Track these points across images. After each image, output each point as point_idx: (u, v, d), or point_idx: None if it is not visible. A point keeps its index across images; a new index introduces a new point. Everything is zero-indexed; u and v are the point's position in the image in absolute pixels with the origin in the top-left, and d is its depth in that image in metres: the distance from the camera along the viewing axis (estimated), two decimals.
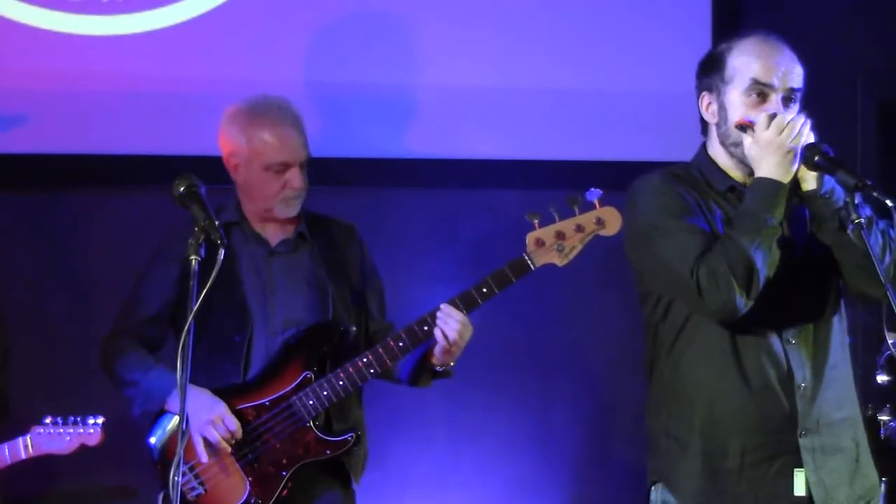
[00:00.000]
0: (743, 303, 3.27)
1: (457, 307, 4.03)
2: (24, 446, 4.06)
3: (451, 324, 4.01)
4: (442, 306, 4.03)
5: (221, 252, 3.20)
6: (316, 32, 5.17)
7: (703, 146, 3.51)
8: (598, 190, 3.91)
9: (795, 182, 3.36)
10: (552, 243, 4.01)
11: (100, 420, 4.08)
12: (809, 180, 3.34)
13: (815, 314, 3.41)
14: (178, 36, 5.06)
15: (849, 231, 3.27)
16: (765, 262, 3.27)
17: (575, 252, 4.03)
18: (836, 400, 3.42)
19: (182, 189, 3.35)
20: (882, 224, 3.32)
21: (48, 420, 4.07)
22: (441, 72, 5.26)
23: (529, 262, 4.03)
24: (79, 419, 4.08)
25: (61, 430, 4.06)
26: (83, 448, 4.08)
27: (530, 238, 4.02)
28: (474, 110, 5.27)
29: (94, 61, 5.01)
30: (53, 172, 5.02)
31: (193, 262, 3.20)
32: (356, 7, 5.21)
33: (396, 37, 5.22)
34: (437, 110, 5.27)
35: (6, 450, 4.07)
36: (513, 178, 5.31)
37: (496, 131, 5.29)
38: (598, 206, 3.95)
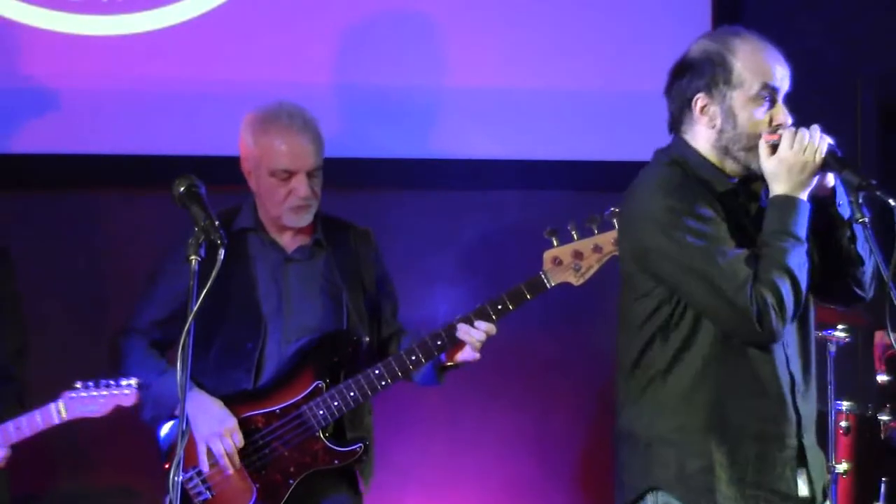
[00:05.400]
0: (789, 326, 3.31)
1: (485, 318, 4.04)
2: (57, 411, 3.91)
3: (478, 335, 4.04)
4: (478, 324, 4.03)
5: (221, 252, 3.20)
6: (316, 34, 5.17)
7: (685, 143, 3.41)
8: (617, 210, 3.90)
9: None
10: (569, 262, 4.02)
11: (133, 381, 3.96)
12: (824, 188, 3.35)
13: (803, 317, 3.42)
14: (178, 36, 5.05)
15: (856, 230, 3.30)
16: (804, 280, 3.28)
17: (591, 272, 4.04)
18: (814, 398, 3.47)
19: (182, 189, 3.35)
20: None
21: (78, 384, 3.97)
22: (441, 72, 5.26)
23: (546, 280, 4.04)
24: (111, 381, 3.94)
25: (94, 393, 3.91)
26: (118, 410, 3.96)
27: (547, 256, 4.02)
28: (474, 110, 5.27)
29: (95, 61, 5.00)
30: (53, 172, 5.02)
31: (193, 262, 3.20)
32: (356, 9, 5.21)
33: (396, 38, 5.22)
34: (438, 111, 5.27)
35: (38, 416, 3.92)
36: (513, 179, 5.31)
37: (497, 131, 5.29)
38: (616, 225, 3.94)
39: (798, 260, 3.27)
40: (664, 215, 3.30)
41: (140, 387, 4.01)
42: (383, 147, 5.21)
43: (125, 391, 3.93)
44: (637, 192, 3.41)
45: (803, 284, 3.28)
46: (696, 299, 3.31)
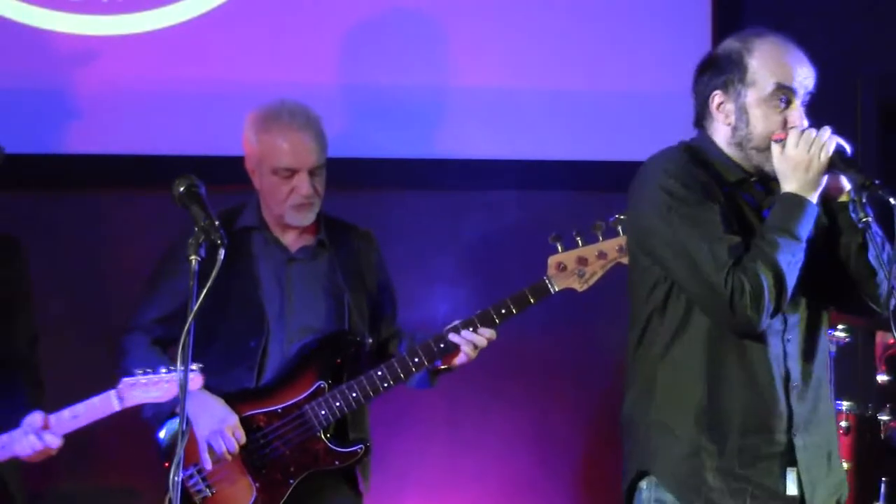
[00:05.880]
0: (767, 320, 3.29)
1: (489, 322, 4.04)
2: (119, 398, 3.72)
3: (480, 341, 4.04)
4: (481, 331, 4.04)
5: (221, 252, 3.20)
6: (315, 34, 5.17)
7: (707, 137, 3.47)
8: (622, 217, 3.90)
9: None
10: (574, 268, 4.03)
11: (195, 366, 3.57)
12: (840, 191, 3.37)
13: (811, 314, 3.44)
14: (178, 36, 5.05)
15: (867, 238, 3.32)
16: (792, 278, 3.29)
17: (595, 278, 4.05)
18: (818, 398, 3.47)
19: (182, 189, 3.35)
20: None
21: (138, 371, 3.73)
22: (441, 72, 5.26)
23: (550, 285, 4.05)
24: (171, 368, 3.71)
25: (156, 378, 3.70)
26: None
27: (552, 261, 4.03)
28: (474, 110, 5.27)
29: (95, 61, 5.00)
30: (53, 172, 5.02)
31: (193, 262, 3.20)
32: (357, 9, 5.21)
33: (397, 39, 5.22)
34: (438, 110, 5.28)
35: (97, 402, 3.74)
36: (513, 179, 5.31)
37: (496, 131, 5.29)
38: (621, 233, 3.95)
39: (789, 257, 3.28)
40: (661, 196, 3.35)
41: (202, 370, 3.72)
42: (384, 147, 5.21)
43: (190, 375, 3.53)
44: (642, 173, 3.46)
45: (789, 281, 3.28)
46: (682, 281, 3.35)
